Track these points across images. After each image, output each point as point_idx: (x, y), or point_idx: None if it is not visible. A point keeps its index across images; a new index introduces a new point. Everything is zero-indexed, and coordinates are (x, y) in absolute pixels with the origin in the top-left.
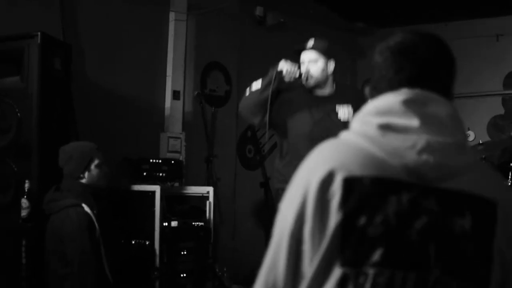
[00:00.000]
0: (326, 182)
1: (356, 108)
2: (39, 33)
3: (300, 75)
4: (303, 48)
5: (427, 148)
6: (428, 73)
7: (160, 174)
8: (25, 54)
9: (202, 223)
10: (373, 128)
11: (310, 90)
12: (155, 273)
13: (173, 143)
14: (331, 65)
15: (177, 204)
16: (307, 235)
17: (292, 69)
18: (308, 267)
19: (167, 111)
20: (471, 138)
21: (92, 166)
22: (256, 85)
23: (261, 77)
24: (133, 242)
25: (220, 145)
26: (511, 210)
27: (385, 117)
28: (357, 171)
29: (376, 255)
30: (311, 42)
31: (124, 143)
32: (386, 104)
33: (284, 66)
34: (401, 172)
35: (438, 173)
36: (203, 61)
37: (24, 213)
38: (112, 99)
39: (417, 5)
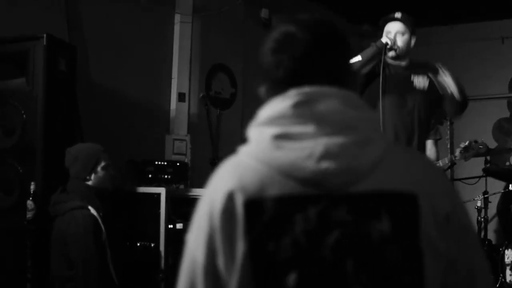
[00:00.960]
0: (228, 209)
1: (432, 80)
2: (44, 34)
3: (387, 43)
4: (392, 18)
5: (326, 154)
6: (311, 63)
7: (165, 176)
8: (31, 56)
9: None
10: (267, 140)
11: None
12: (160, 275)
13: (178, 145)
14: (413, 41)
15: (182, 206)
16: (222, 268)
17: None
18: None
19: (172, 113)
20: (483, 149)
21: (99, 168)
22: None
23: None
24: (138, 244)
25: (225, 147)
26: (436, 197)
27: (278, 127)
28: (257, 193)
29: (291, 280)
30: (399, 14)
31: (129, 145)
32: (276, 111)
33: (386, 39)
34: (304, 186)
35: (344, 178)
36: (208, 63)
37: (29, 214)
38: (117, 101)
39: (422, 7)
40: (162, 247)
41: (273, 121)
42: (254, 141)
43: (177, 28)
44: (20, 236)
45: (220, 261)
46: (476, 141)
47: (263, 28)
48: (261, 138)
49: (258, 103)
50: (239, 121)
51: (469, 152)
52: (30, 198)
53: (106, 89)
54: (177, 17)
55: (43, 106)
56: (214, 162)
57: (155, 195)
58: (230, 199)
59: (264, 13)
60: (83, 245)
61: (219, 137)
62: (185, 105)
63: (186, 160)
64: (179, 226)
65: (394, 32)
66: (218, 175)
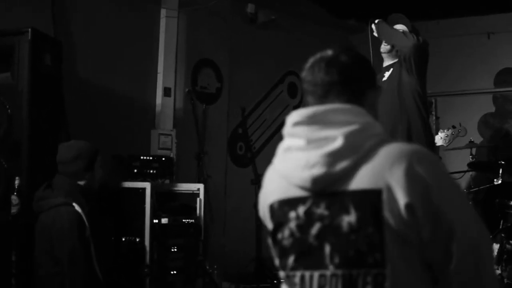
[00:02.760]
0: (262, 209)
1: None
2: (29, 29)
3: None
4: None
5: (306, 165)
6: (330, 78)
7: (151, 171)
8: (16, 51)
9: (193, 220)
10: (280, 153)
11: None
12: (146, 270)
13: (164, 140)
14: None
15: (167, 201)
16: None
17: None
18: None
19: (158, 108)
20: (462, 133)
21: (95, 168)
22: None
23: (253, 74)
24: (123, 239)
25: (211, 142)
26: (397, 191)
27: (287, 140)
28: (272, 197)
29: (290, 261)
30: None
31: (115, 140)
32: (286, 128)
33: None
34: (296, 190)
35: (322, 183)
36: (194, 58)
37: (14, 210)
38: (103, 96)
39: (409, 2)
40: (147, 242)
41: (285, 135)
42: (278, 151)
43: (163, 23)
44: (5, 231)
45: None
46: (454, 126)
47: (249, 23)
48: (280, 149)
49: (244, 98)
50: (225, 116)
51: (449, 136)
52: (15, 193)
53: (92, 84)
54: (163, 12)
55: (28, 101)
56: (199, 156)
57: (140, 190)
58: (264, 201)
59: (250, 8)
60: (68, 242)
61: (205, 132)
62: (170, 100)
63: (171, 155)
64: (164, 221)
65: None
66: (264, 181)
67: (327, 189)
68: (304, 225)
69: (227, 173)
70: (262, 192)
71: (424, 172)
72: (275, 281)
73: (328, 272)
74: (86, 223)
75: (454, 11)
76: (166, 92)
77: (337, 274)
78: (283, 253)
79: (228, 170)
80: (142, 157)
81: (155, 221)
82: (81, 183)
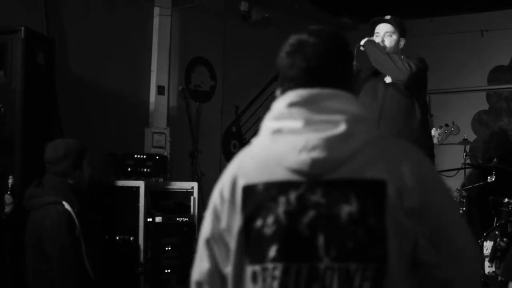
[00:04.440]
0: (232, 189)
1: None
2: (22, 28)
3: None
4: (381, 19)
5: (305, 147)
6: (317, 65)
7: (145, 170)
8: (9, 49)
9: (187, 219)
10: (268, 133)
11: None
12: (139, 269)
13: (158, 138)
14: (402, 42)
15: (161, 199)
16: (223, 231)
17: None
18: (225, 265)
19: (151, 106)
20: (455, 131)
21: (84, 166)
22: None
23: (246, 72)
24: (117, 238)
25: (205, 140)
26: (403, 184)
27: (277, 122)
28: (253, 178)
29: (272, 252)
30: (388, 16)
31: (108, 138)
32: (277, 109)
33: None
34: (288, 173)
35: (321, 168)
36: (188, 56)
37: (7, 208)
38: (96, 95)
39: (403, 0)
40: (141, 241)
41: (274, 117)
42: (261, 134)
43: (156, 21)
44: None
45: (222, 226)
46: (447, 124)
47: (243, 21)
48: (264, 131)
49: (238, 96)
50: (219, 114)
51: (442, 134)
52: (8, 192)
53: (86, 82)
54: (156, 10)
55: (21, 100)
56: (193, 155)
57: (134, 189)
58: (234, 182)
59: (244, 6)
60: (57, 240)
61: (198, 130)
62: (164, 98)
63: (165, 153)
64: (158, 219)
65: (382, 33)
66: (233, 160)
67: (324, 175)
68: (295, 212)
69: (221, 171)
70: (228, 174)
71: (425, 174)
72: None
73: (321, 265)
74: (76, 222)
75: (448, 9)
76: (160, 90)
77: (333, 267)
78: (260, 243)
79: (222, 168)
80: (135, 156)
81: (149, 219)
82: (71, 181)
